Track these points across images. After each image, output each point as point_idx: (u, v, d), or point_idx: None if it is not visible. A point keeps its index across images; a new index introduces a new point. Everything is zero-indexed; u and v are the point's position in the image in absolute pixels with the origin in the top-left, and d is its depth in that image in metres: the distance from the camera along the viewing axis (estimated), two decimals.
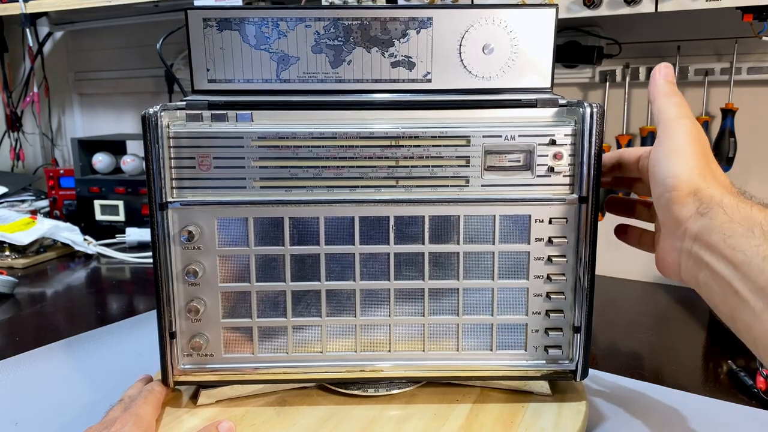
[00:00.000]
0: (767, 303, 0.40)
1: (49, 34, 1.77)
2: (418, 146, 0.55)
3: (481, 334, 0.59)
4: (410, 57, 0.56)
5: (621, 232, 0.60)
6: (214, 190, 0.55)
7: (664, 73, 0.51)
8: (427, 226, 0.56)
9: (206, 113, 0.55)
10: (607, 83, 1.08)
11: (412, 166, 0.55)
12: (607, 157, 0.57)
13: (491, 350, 0.59)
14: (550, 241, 0.56)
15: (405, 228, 0.56)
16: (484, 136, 0.54)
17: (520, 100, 0.56)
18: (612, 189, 0.64)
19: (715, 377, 0.73)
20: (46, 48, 1.79)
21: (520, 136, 0.54)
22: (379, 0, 0.98)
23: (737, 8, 0.82)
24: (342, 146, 0.55)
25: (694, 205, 0.45)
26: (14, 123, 1.82)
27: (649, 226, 0.58)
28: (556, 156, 0.54)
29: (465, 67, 0.57)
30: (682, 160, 0.47)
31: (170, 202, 0.55)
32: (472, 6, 0.56)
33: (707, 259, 0.44)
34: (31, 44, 1.66)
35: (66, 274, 1.20)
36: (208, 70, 0.57)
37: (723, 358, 0.77)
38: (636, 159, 0.55)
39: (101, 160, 1.47)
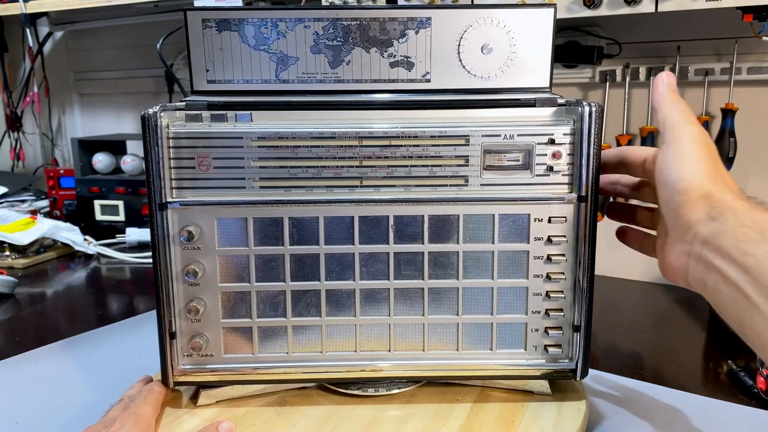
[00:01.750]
0: None
1: (49, 34, 1.77)
2: (418, 146, 0.55)
3: (481, 334, 0.59)
4: (409, 57, 0.56)
5: (622, 234, 0.60)
6: (213, 190, 0.55)
7: (666, 81, 0.51)
8: (426, 226, 0.56)
9: (206, 113, 0.55)
10: (607, 83, 1.08)
11: (411, 166, 0.55)
12: (610, 153, 0.57)
13: (491, 349, 0.59)
14: (549, 240, 0.56)
15: (404, 227, 0.56)
16: (483, 136, 0.54)
17: (519, 99, 0.56)
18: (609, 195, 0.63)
19: (715, 377, 0.73)
20: (46, 48, 1.79)
21: (519, 135, 0.54)
22: (379, 0, 0.98)
23: (737, 8, 0.82)
24: (341, 146, 0.55)
25: (705, 209, 0.45)
26: (14, 123, 1.82)
27: (651, 231, 0.57)
28: (555, 155, 0.54)
29: (464, 66, 0.57)
30: (692, 163, 0.47)
31: (170, 203, 0.55)
32: (471, 6, 0.56)
33: (717, 263, 0.44)
34: (31, 44, 1.66)
35: (66, 274, 1.20)
36: (207, 70, 0.57)
37: (723, 358, 0.77)
38: (642, 160, 0.54)
39: (101, 160, 1.47)
